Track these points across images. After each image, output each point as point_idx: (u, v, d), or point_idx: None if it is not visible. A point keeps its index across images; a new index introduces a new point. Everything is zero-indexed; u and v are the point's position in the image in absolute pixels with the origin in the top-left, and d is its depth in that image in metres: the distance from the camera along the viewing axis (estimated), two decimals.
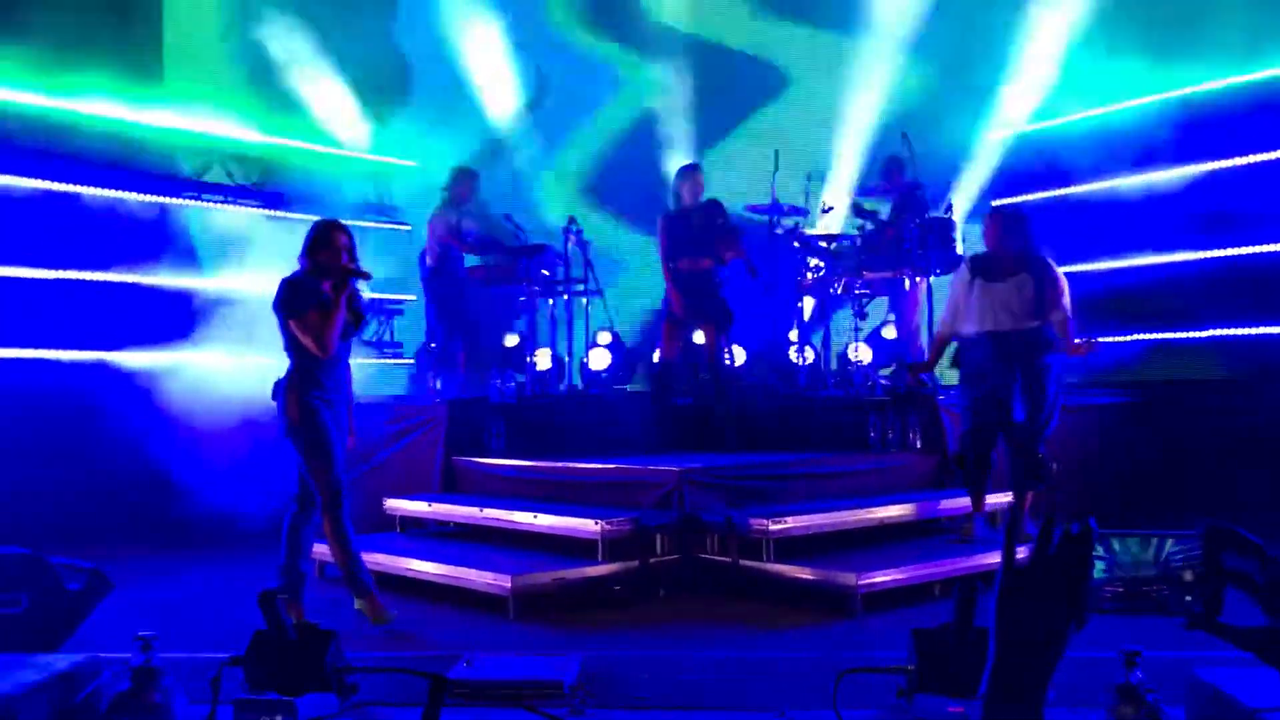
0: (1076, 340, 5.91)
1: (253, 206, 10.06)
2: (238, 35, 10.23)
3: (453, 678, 3.66)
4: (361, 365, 9.63)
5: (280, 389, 4.91)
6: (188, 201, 9.68)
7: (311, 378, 4.84)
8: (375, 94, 10.85)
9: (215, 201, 9.81)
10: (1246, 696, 2.70)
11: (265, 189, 10.30)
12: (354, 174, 10.89)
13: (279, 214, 10.09)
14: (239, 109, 9.93)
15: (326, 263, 4.81)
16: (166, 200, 9.52)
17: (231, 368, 8.56)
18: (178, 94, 9.73)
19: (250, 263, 9.25)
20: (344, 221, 5.05)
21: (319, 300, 4.78)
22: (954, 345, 6.19)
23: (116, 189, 9.02)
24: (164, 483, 7.14)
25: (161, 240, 9.33)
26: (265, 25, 10.15)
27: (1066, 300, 5.91)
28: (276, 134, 10.24)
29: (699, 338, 7.99)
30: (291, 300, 4.79)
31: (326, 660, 3.38)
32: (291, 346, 4.87)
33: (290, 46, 10.41)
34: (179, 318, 9.31)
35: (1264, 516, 7.36)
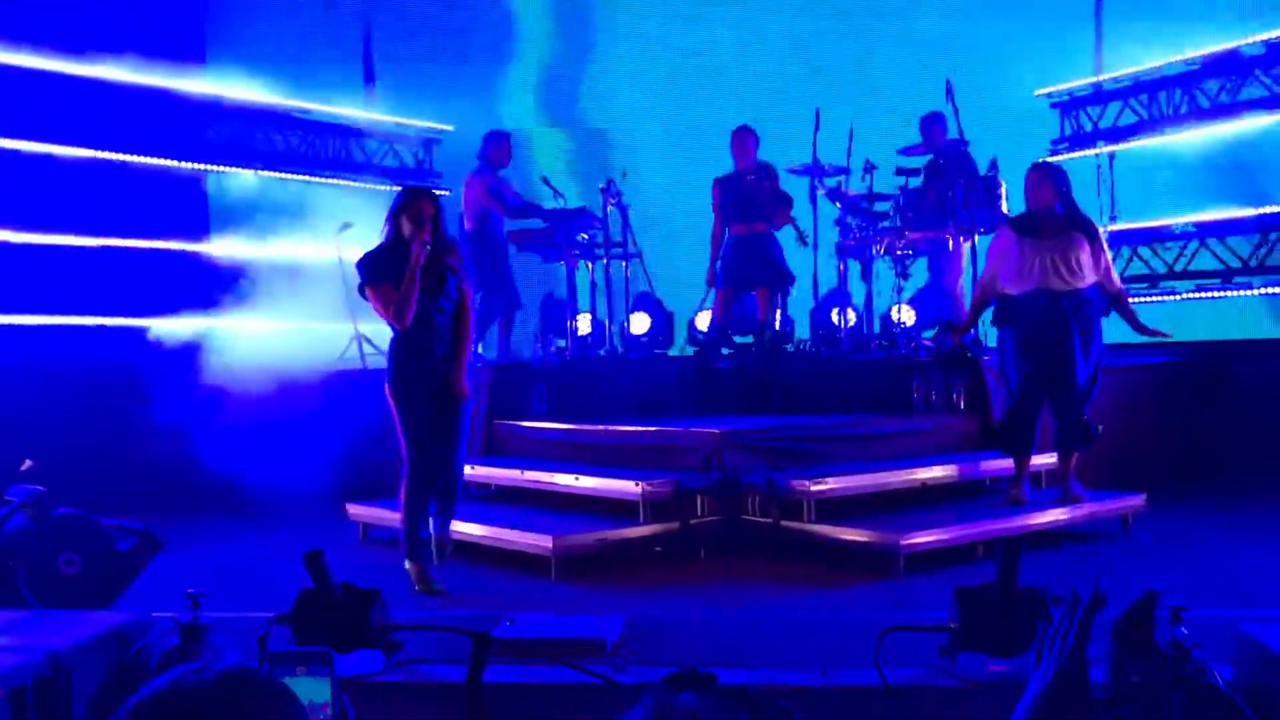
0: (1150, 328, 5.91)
1: (294, 172, 10.13)
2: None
3: (496, 636, 3.68)
4: None
5: (386, 357, 5.03)
6: (225, 169, 9.76)
7: (399, 345, 4.88)
8: (414, 58, 10.86)
9: (256, 169, 9.89)
10: None
11: (305, 154, 10.37)
12: (393, 139, 10.94)
13: (318, 179, 10.16)
14: (280, 75, 9.98)
15: (410, 232, 4.76)
16: (206, 167, 9.61)
17: (272, 334, 8.67)
18: (218, 60, 9.81)
19: (287, 230, 9.35)
20: (430, 189, 5.06)
21: (396, 271, 4.75)
22: (993, 305, 6.10)
23: (157, 156, 9.11)
24: (212, 448, 7.24)
25: (198, 207, 9.44)
26: None
27: (1112, 266, 5.85)
28: (317, 100, 10.29)
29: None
30: (368, 270, 4.81)
31: (371, 618, 3.43)
32: (382, 318, 4.91)
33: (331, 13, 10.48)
34: (219, 284, 9.44)
35: None
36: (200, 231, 9.58)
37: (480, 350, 8.54)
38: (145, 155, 9.10)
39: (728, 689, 1.26)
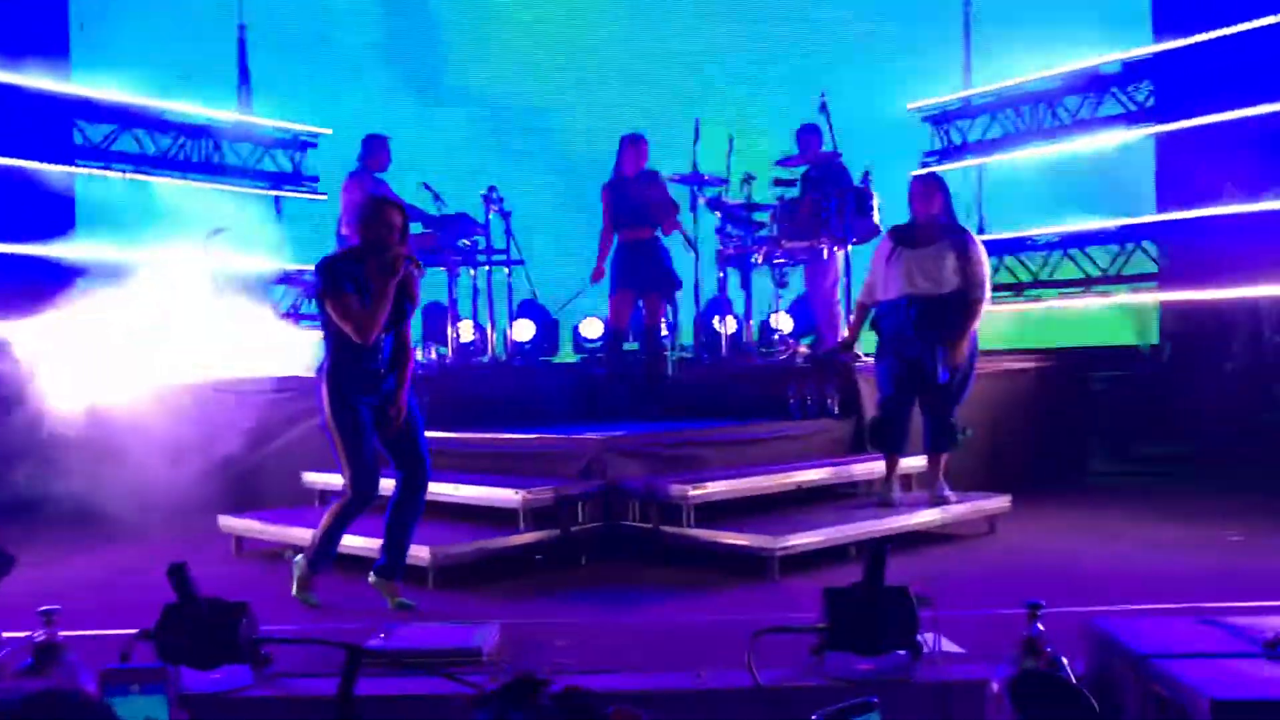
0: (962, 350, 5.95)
1: (164, 176, 9.85)
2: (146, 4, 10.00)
3: (369, 647, 3.64)
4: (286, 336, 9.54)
5: (316, 378, 4.66)
6: (93, 170, 9.43)
7: (346, 366, 4.56)
8: (289, 60, 10.67)
9: (124, 170, 9.58)
10: (1137, 643, 2.81)
11: (177, 158, 10.09)
12: (270, 142, 10.73)
13: (190, 183, 9.90)
14: (151, 77, 9.70)
15: (375, 242, 4.51)
16: (73, 169, 9.28)
17: (142, 340, 8.39)
18: (87, 61, 9.49)
19: (157, 233, 9.06)
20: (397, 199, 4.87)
21: (358, 283, 4.49)
22: (874, 312, 6.27)
23: (21, 157, 8.76)
24: (74, 460, 6.98)
25: (65, 210, 9.11)
26: None
27: (986, 270, 6.01)
28: (188, 101, 10.03)
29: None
30: (327, 282, 4.48)
31: (239, 632, 3.34)
32: (326, 331, 4.58)
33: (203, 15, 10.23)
34: (82, 289, 9.10)
35: (1163, 478, 7.68)
36: (67, 234, 9.23)
37: None
38: (8, 156, 8.73)
39: (560, 696, 1.27)
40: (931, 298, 5.90)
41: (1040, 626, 2.87)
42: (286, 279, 10.51)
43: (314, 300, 4.63)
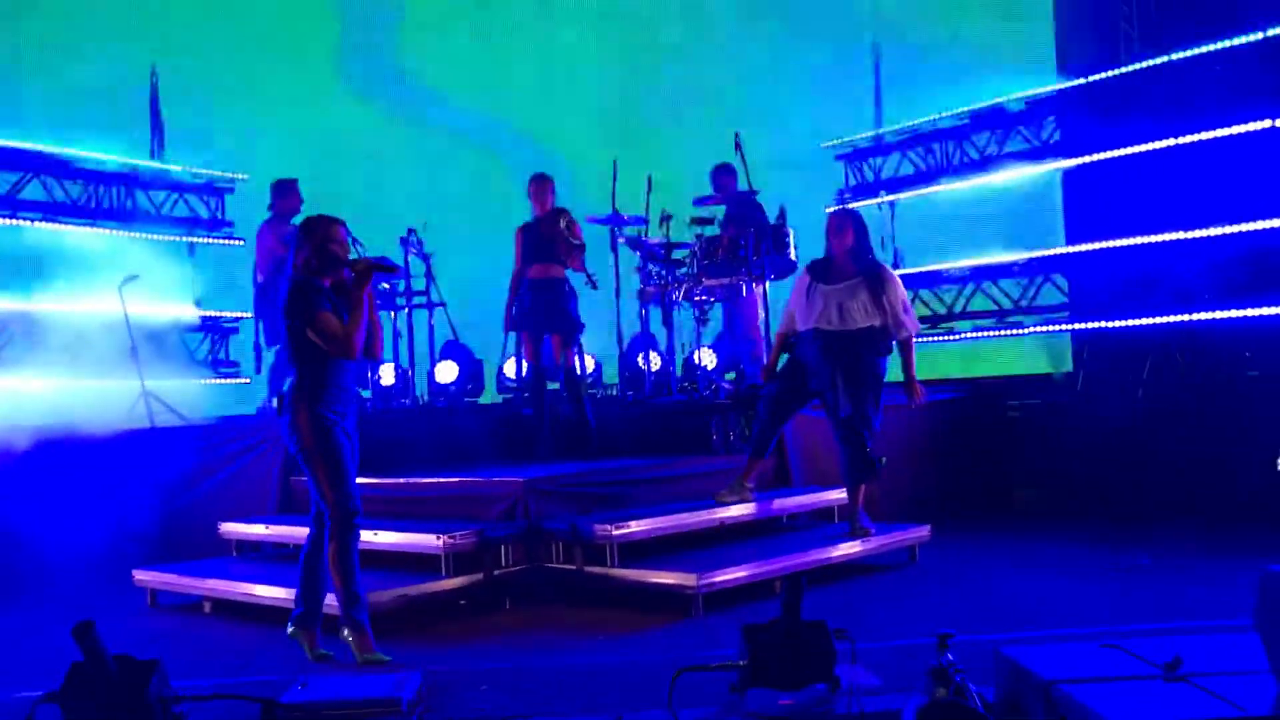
0: (916, 386, 6.20)
1: (76, 224, 9.67)
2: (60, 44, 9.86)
3: (286, 701, 3.59)
4: (197, 385, 9.39)
5: (289, 401, 4.57)
6: (1, 219, 9.22)
7: (323, 388, 4.52)
8: (205, 106, 10.59)
9: (32, 219, 9.38)
10: (1043, 669, 2.87)
11: (89, 206, 9.91)
12: (185, 188, 10.59)
13: (105, 230, 9.73)
14: (59, 123, 9.55)
15: (332, 259, 4.53)
16: None
17: (49, 392, 8.21)
18: None
19: (70, 282, 8.91)
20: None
21: (331, 301, 4.51)
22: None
23: None
24: None
25: None
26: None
27: (900, 303, 6.13)
28: (99, 149, 9.86)
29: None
30: (303, 304, 4.46)
31: (150, 691, 3.27)
32: (299, 355, 4.53)
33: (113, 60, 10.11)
34: None
35: (1079, 506, 7.85)
36: None
37: (275, 404, 8.30)
38: None
39: None
40: (839, 333, 6.04)
41: (950, 656, 2.93)
42: (202, 326, 10.35)
43: (284, 326, 4.53)
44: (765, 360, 7.91)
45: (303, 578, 4.73)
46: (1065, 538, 7.12)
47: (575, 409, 7.64)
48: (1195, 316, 8.27)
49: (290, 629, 4.72)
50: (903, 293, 6.19)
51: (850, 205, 9.87)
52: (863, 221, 6.34)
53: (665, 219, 8.13)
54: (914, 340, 6.24)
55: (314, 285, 4.53)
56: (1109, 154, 8.94)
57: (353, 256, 7.61)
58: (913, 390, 6.23)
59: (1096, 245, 9.01)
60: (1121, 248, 8.79)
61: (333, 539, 4.60)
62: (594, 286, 7.81)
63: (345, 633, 4.62)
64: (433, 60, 11.72)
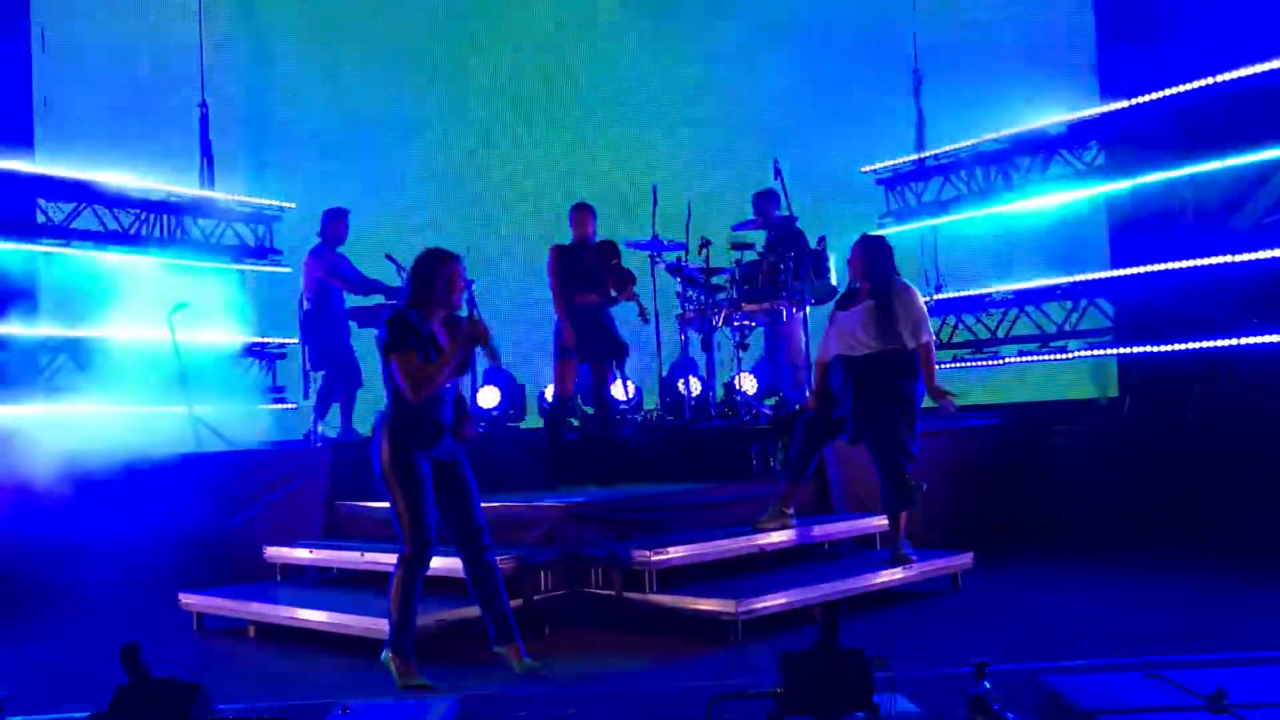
0: (940, 387, 6.12)
1: (127, 252, 9.86)
2: (112, 77, 10.08)
3: None
4: (244, 411, 9.53)
5: (376, 427, 4.65)
6: (54, 248, 9.43)
7: (408, 419, 4.58)
8: (254, 135, 10.78)
9: (84, 248, 9.58)
10: (1083, 699, 2.84)
11: (140, 234, 10.12)
12: (233, 217, 10.78)
13: (156, 259, 9.92)
14: (112, 153, 9.76)
15: (441, 299, 4.60)
16: (33, 247, 9.27)
17: (103, 418, 8.36)
18: (46, 140, 9.54)
19: (121, 309, 9.08)
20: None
21: (424, 340, 4.54)
22: None
23: None
24: (33, 540, 6.92)
25: (28, 287, 9.09)
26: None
27: (920, 325, 6.09)
28: (152, 178, 10.07)
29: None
30: (392, 336, 4.51)
31: (193, 713, 3.32)
32: (388, 383, 4.61)
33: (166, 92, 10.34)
34: (48, 366, 9.09)
35: (1125, 532, 7.75)
36: (29, 313, 9.21)
37: (321, 430, 8.41)
38: None
39: None
40: (857, 359, 6.10)
41: (987, 684, 2.91)
42: (250, 352, 10.50)
43: (380, 351, 4.59)
44: (806, 384, 7.94)
45: (392, 605, 4.71)
46: (1110, 566, 7.03)
47: (607, 435, 7.66)
48: (1245, 341, 8.15)
49: (384, 655, 4.73)
50: (917, 308, 6.12)
51: (887, 231, 9.84)
52: (877, 244, 6.32)
53: (705, 245, 8.16)
54: (931, 348, 6.15)
55: (410, 319, 4.55)
56: (1154, 176, 8.86)
57: (395, 284, 7.76)
58: (938, 394, 6.10)
59: (1142, 269, 8.92)
60: (1168, 271, 8.70)
61: (400, 565, 4.66)
62: (645, 320, 7.89)
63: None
64: (476, 91, 11.85)
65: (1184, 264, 8.54)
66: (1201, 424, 8.25)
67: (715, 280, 8.17)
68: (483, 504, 6.48)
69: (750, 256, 8.18)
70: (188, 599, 6.30)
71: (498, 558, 5.56)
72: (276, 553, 6.79)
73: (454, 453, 4.79)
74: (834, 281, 7.91)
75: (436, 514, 4.72)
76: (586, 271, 7.57)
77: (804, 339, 8.07)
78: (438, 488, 4.72)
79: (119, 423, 8.36)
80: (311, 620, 5.64)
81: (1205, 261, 8.41)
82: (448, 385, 4.67)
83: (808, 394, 7.70)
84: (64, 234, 9.63)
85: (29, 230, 9.33)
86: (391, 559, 6.03)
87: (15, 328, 8.76)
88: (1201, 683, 2.89)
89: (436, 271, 4.60)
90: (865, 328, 6.06)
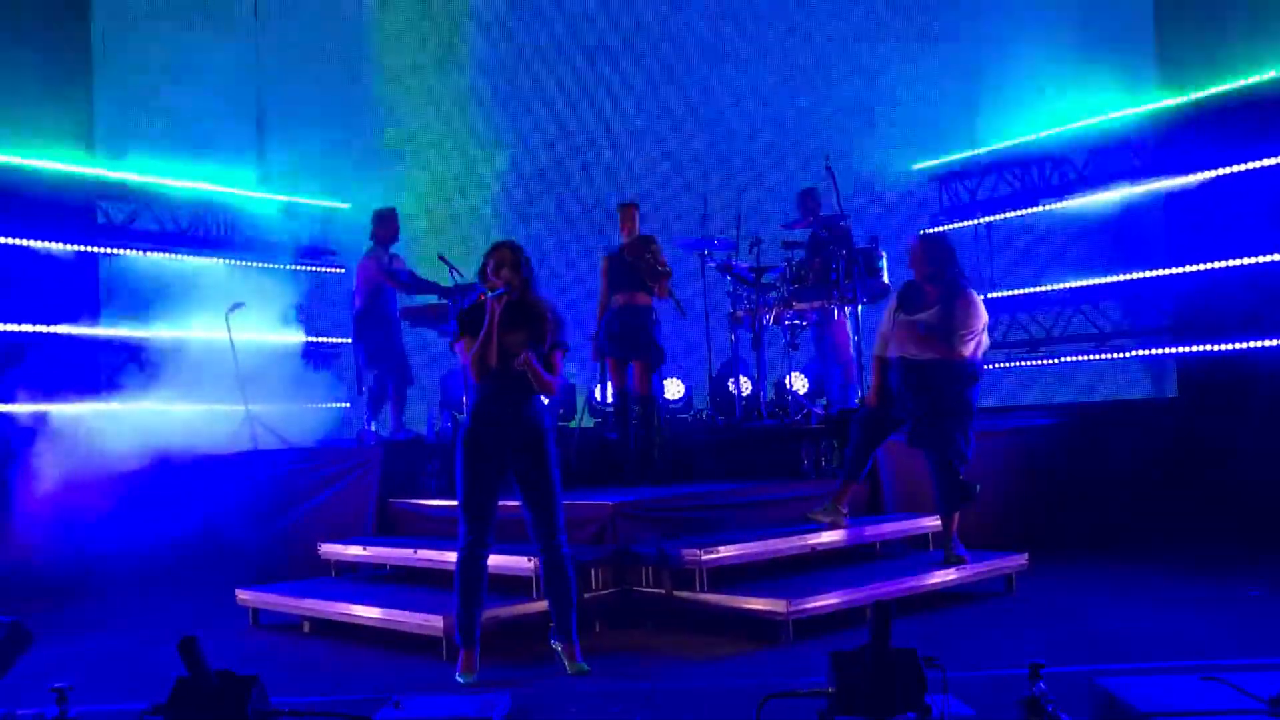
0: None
1: (185, 253, 10.03)
2: (169, 82, 10.25)
3: (379, 719, 3.66)
4: (299, 409, 9.66)
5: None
6: (114, 250, 9.61)
7: (477, 406, 4.81)
8: (306, 138, 10.91)
9: (144, 250, 9.76)
10: (1140, 701, 2.80)
11: (197, 235, 10.29)
12: (290, 217, 10.93)
13: (212, 259, 10.08)
14: (171, 154, 9.93)
15: (489, 281, 4.81)
16: (94, 249, 9.46)
17: (163, 416, 8.51)
18: (106, 143, 9.73)
19: (180, 310, 9.23)
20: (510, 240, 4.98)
21: (479, 323, 4.75)
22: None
23: (39, 239, 8.93)
24: (97, 535, 7.07)
25: (90, 289, 9.27)
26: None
27: (980, 330, 6.01)
28: (209, 180, 10.24)
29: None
30: (458, 323, 4.84)
31: (250, 706, 3.37)
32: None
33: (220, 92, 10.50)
34: (110, 367, 9.26)
35: (1184, 534, 7.62)
36: (92, 314, 9.40)
37: (374, 428, 8.50)
38: (34, 239, 8.90)
39: None
40: (918, 363, 6.00)
41: (1042, 685, 2.87)
42: (305, 352, 10.64)
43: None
44: (856, 384, 7.88)
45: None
46: (1167, 569, 6.91)
47: (645, 437, 7.56)
48: None
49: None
50: (977, 319, 5.96)
51: (940, 229, 9.75)
52: (943, 245, 6.18)
53: (755, 243, 8.13)
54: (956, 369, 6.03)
55: (471, 307, 4.82)
56: (1213, 173, 8.70)
57: (448, 284, 7.79)
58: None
59: (1201, 266, 8.76)
60: (1227, 268, 8.53)
61: (458, 557, 4.82)
62: (683, 314, 7.81)
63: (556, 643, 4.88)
64: (520, 90, 11.91)
65: (1245, 261, 8.38)
66: (1260, 423, 8.08)
67: (765, 279, 8.14)
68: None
69: (801, 255, 8.14)
70: (244, 594, 6.40)
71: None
72: (330, 549, 6.87)
73: (528, 445, 4.91)
74: (885, 280, 7.84)
75: (488, 509, 4.90)
76: (627, 271, 7.51)
77: (855, 338, 8.01)
78: (508, 473, 4.93)
79: (178, 422, 8.52)
80: (364, 616, 5.70)
81: (1268, 258, 8.24)
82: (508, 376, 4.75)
83: (859, 393, 7.67)
84: (123, 235, 9.82)
85: (89, 232, 9.52)
86: (444, 555, 6.12)
87: (77, 328, 8.94)
88: (1262, 686, 2.83)
89: (483, 261, 4.87)
90: (931, 333, 5.95)
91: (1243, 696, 2.80)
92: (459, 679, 4.68)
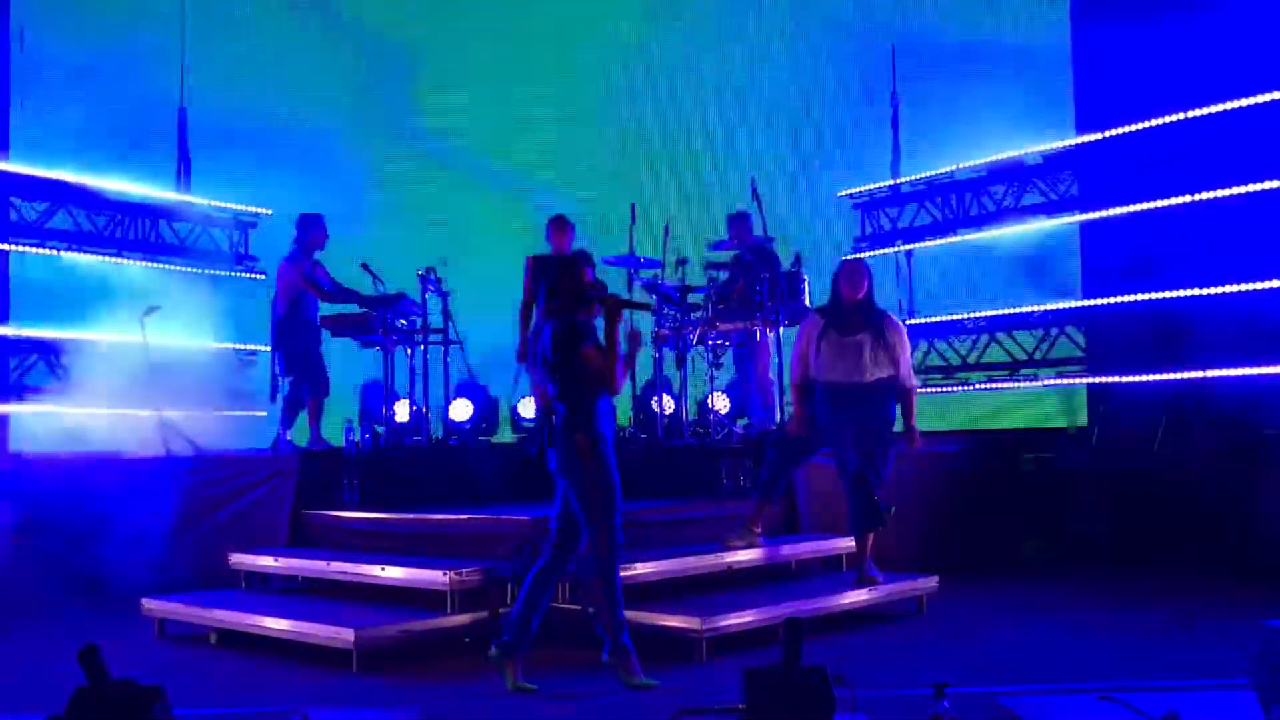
0: (915, 429, 6.23)
1: (102, 253, 9.81)
2: (89, 81, 10.04)
3: None
4: (213, 416, 9.48)
5: (559, 431, 4.79)
6: (26, 248, 9.37)
7: (593, 414, 4.78)
8: (229, 141, 10.76)
9: (58, 248, 9.53)
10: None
11: (115, 236, 10.07)
12: (210, 222, 10.74)
13: (130, 261, 9.88)
14: (89, 155, 9.73)
15: (585, 299, 4.80)
16: (6, 246, 9.21)
17: (72, 420, 8.30)
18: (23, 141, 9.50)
19: (93, 311, 9.02)
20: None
21: (594, 337, 4.79)
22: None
23: None
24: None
25: None
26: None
27: (906, 355, 6.15)
28: (126, 180, 10.03)
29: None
30: (573, 340, 4.75)
31: (153, 716, 3.29)
32: (569, 386, 4.76)
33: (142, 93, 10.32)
34: (16, 368, 9.02)
35: (1092, 558, 7.81)
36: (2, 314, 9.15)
37: (289, 437, 8.37)
38: None
39: None
40: (853, 385, 6.06)
41: (946, 704, 2.93)
42: (221, 357, 10.46)
43: (553, 363, 4.82)
44: (776, 407, 7.95)
45: (522, 604, 4.82)
46: (1074, 592, 7.08)
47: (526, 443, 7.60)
48: (1214, 373, 8.25)
49: (492, 651, 4.78)
50: (906, 343, 6.21)
51: (861, 255, 9.91)
52: (864, 269, 6.32)
53: (681, 263, 8.19)
54: (914, 391, 6.28)
55: (577, 325, 4.79)
56: (1128, 208, 8.97)
57: (370, 293, 7.72)
58: (913, 438, 6.25)
59: (1115, 299, 9.02)
60: (1140, 302, 8.80)
61: (601, 568, 4.81)
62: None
63: (610, 656, 4.79)
64: (455, 103, 11.87)
65: (1157, 295, 8.65)
66: (1169, 454, 8.33)
67: (691, 299, 8.20)
68: (453, 516, 6.50)
69: (725, 276, 8.21)
70: (150, 604, 6.25)
71: (466, 569, 5.59)
72: (241, 560, 6.74)
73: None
74: (808, 303, 7.95)
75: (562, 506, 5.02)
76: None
77: (776, 359, 8.09)
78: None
79: (87, 425, 8.31)
80: (273, 628, 5.60)
81: (1178, 294, 8.51)
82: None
83: (779, 416, 7.74)
84: (37, 233, 9.57)
85: (2, 229, 9.27)
86: (359, 568, 6.05)
87: None
88: (1155, 705, 2.92)
89: (568, 274, 4.93)
90: (864, 356, 6.05)
91: (1136, 716, 2.88)
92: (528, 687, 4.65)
